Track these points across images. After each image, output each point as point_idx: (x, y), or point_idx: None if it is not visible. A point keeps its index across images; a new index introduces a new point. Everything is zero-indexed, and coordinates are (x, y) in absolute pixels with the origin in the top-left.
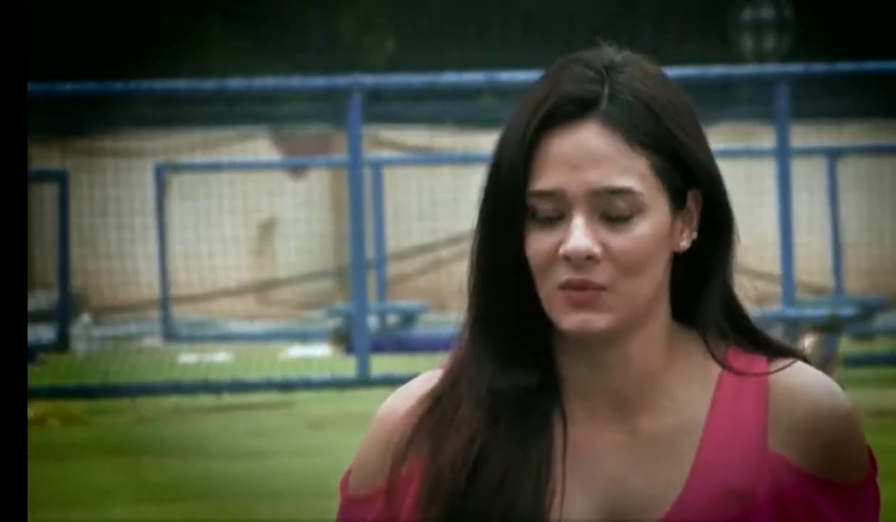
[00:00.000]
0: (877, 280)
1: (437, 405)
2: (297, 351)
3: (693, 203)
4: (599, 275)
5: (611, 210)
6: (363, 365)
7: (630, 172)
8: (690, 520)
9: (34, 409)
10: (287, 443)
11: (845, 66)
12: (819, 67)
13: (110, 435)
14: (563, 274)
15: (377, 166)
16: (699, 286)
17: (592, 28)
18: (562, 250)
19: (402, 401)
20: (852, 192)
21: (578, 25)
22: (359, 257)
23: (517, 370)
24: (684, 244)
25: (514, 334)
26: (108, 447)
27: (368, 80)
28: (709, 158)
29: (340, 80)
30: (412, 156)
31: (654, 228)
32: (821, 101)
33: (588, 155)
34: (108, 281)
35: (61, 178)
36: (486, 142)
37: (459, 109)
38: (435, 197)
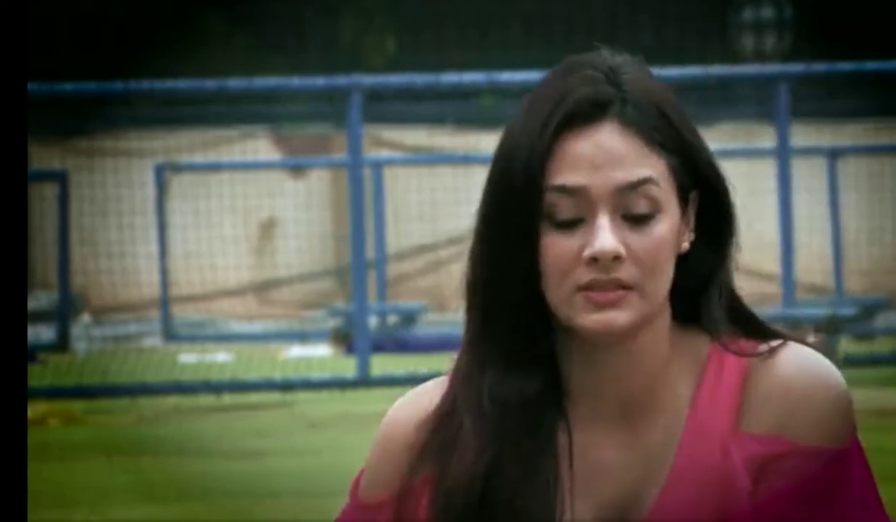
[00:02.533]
0: (877, 280)
1: (445, 416)
2: (297, 351)
3: (692, 204)
4: (625, 275)
5: (632, 209)
6: (363, 365)
7: (650, 170)
8: (673, 512)
9: (34, 409)
10: (287, 443)
11: (845, 66)
12: (819, 67)
13: (110, 435)
14: (587, 275)
15: (377, 166)
16: (699, 286)
17: (592, 28)
18: (588, 252)
19: (409, 411)
20: (852, 192)
21: (578, 26)
22: (359, 257)
23: (520, 376)
24: (685, 245)
25: (518, 339)
26: (108, 447)
27: (368, 80)
28: (711, 157)
29: (340, 80)
30: (412, 156)
31: (670, 228)
32: (821, 101)
33: (610, 154)
34: (108, 281)
35: (61, 178)
36: (486, 142)
37: (459, 109)
38: (435, 197)
